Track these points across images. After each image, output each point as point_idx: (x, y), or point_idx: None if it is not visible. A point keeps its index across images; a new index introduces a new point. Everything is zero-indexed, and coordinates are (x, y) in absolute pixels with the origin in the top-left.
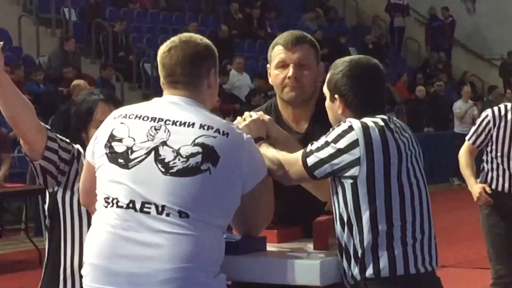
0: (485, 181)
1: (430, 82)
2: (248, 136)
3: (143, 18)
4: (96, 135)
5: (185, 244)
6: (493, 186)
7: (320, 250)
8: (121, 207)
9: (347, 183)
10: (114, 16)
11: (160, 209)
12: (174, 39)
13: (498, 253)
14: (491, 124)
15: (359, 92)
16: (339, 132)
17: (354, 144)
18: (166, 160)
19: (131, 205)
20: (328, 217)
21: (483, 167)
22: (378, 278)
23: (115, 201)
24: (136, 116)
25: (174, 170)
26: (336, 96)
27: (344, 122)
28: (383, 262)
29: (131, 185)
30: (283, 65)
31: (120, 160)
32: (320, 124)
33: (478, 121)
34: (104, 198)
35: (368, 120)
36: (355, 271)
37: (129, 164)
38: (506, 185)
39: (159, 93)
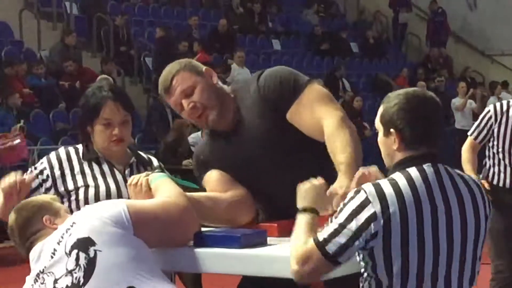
0: (487, 177)
1: (431, 77)
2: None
3: (145, 12)
4: None
5: None
6: (495, 182)
7: None
8: None
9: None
10: (115, 10)
11: None
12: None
13: (498, 249)
14: (493, 119)
15: (417, 126)
16: (353, 209)
17: (371, 219)
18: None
19: None
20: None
21: (485, 163)
22: None
23: None
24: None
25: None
26: (391, 130)
27: (356, 191)
28: None
29: None
30: (180, 106)
31: None
32: (245, 116)
33: (480, 116)
34: None
35: (386, 184)
36: None
37: None
38: (508, 181)
39: None
